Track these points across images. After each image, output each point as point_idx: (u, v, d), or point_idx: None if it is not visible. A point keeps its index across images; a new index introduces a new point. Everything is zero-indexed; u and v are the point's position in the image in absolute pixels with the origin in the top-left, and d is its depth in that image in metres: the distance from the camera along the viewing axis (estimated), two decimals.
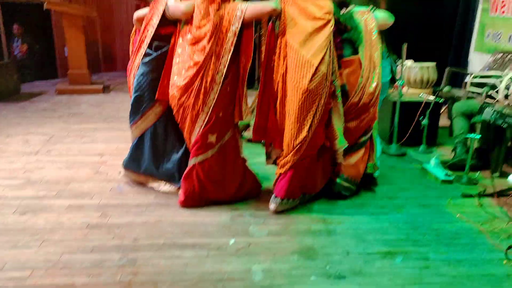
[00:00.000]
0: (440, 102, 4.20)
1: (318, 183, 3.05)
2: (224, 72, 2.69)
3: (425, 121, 4.07)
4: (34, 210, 2.83)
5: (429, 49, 5.81)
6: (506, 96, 3.46)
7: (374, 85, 2.93)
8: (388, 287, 2.14)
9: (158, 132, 3.03)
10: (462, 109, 3.76)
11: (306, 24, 2.68)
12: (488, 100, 3.56)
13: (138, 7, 7.37)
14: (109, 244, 2.45)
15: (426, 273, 2.24)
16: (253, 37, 2.78)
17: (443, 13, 6.02)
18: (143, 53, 2.91)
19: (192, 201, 2.91)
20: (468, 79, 4.03)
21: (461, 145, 3.73)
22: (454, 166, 3.64)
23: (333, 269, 2.26)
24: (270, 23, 2.86)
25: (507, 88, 3.45)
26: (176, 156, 3.05)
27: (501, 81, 3.53)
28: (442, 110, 4.60)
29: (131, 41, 3.24)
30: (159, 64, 2.89)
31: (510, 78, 3.48)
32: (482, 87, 3.61)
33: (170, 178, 3.10)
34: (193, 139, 2.82)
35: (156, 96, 2.91)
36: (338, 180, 3.08)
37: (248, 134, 4.23)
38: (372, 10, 3.03)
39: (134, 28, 3.20)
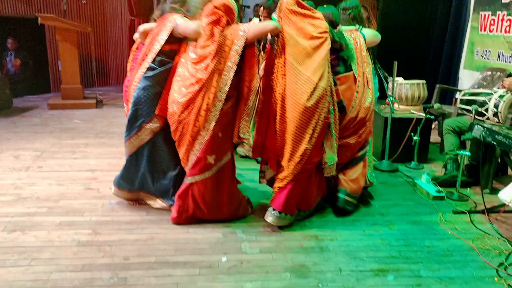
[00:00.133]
0: (431, 118, 4.25)
1: (312, 200, 3.05)
2: (226, 90, 2.71)
3: (416, 137, 4.11)
4: (23, 228, 2.80)
5: (419, 66, 5.91)
6: (496, 114, 3.51)
7: (369, 99, 3.04)
8: None
9: (157, 146, 2.98)
10: (453, 125, 3.81)
11: (304, 43, 2.76)
12: (478, 117, 3.62)
13: (132, 23, 7.44)
14: (100, 263, 2.42)
15: None
16: (256, 56, 2.85)
17: (433, 31, 6.13)
18: (147, 67, 2.90)
19: (184, 220, 2.89)
20: (458, 96, 4.09)
21: (452, 162, 3.76)
22: (445, 182, 3.67)
23: (326, 287, 2.25)
24: (268, 43, 2.94)
25: (496, 106, 3.51)
26: (173, 172, 3.02)
27: (490, 99, 3.59)
28: (433, 127, 4.65)
29: (131, 56, 3.25)
30: (161, 80, 2.89)
31: (499, 96, 3.54)
32: (472, 104, 3.66)
33: (165, 194, 3.07)
34: (191, 158, 2.79)
35: (156, 111, 2.89)
36: (341, 196, 3.10)
37: (243, 150, 4.25)
38: (359, 29, 3.13)
39: (136, 43, 3.21)
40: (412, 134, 4.14)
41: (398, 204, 3.36)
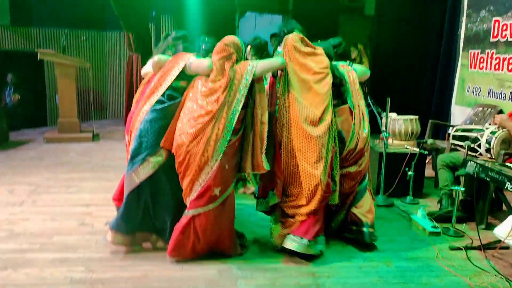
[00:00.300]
0: (424, 153, 4.30)
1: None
2: (235, 122, 2.78)
3: (411, 172, 4.14)
4: (15, 265, 2.75)
5: (412, 102, 6.03)
6: (488, 150, 3.57)
7: (366, 130, 3.16)
8: None
9: (160, 180, 2.93)
10: (446, 161, 3.85)
11: (307, 78, 2.94)
12: (471, 153, 3.66)
13: (130, 58, 7.58)
14: None
15: None
16: (265, 89, 2.98)
17: (424, 68, 6.30)
18: (156, 100, 2.94)
19: (183, 253, 2.84)
20: (450, 132, 4.16)
21: (447, 197, 3.78)
22: (440, 217, 3.67)
23: None
24: (271, 76, 3.11)
25: (488, 142, 3.57)
26: (172, 209, 2.96)
27: (482, 135, 3.65)
28: (427, 161, 4.69)
29: (141, 88, 3.31)
30: (169, 113, 2.93)
31: (491, 132, 3.61)
32: (464, 140, 3.72)
33: (162, 231, 3.00)
34: (195, 189, 2.78)
35: (161, 143, 2.90)
36: (366, 230, 3.11)
37: (246, 191, 4.26)
38: (350, 64, 3.25)
39: (148, 77, 3.28)
40: (407, 169, 4.17)
41: (394, 239, 3.35)
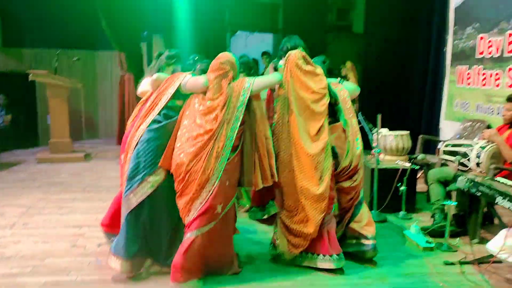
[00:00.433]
0: (416, 168, 4.34)
1: None
2: (234, 138, 2.81)
3: (403, 187, 4.17)
4: None
5: (402, 118, 6.11)
6: (478, 164, 3.61)
7: (360, 147, 3.22)
8: None
9: (158, 200, 2.90)
10: (437, 176, 3.89)
11: (305, 96, 3.03)
12: (461, 167, 3.71)
13: (122, 78, 7.61)
14: None
15: None
16: (262, 105, 3.05)
17: (413, 84, 6.40)
18: (152, 119, 2.95)
19: (187, 277, 2.73)
20: (441, 146, 4.22)
21: (439, 212, 3.81)
22: (434, 232, 3.69)
23: None
24: (269, 89, 3.22)
25: (478, 157, 3.62)
26: (169, 230, 2.94)
27: (472, 150, 3.70)
28: (418, 175, 4.73)
29: (137, 108, 3.32)
30: (165, 133, 2.94)
31: (480, 147, 3.66)
32: (454, 155, 3.77)
33: (157, 254, 2.94)
34: (195, 207, 2.75)
35: (160, 163, 2.89)
36: (369, 242, 3.17)
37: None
38: (341, 82, 3.31)
39: (145, 97, 3.29)
40: (399, 184, 4.20)
41: (389, 255, 3.35)
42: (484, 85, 4.94)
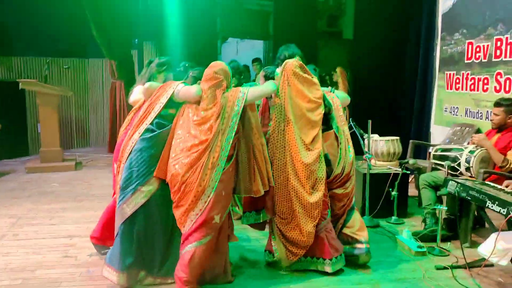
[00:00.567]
0: (407, 173, 4.37)
1: None
2: (229, 149, 2.79)
3: (394, 192, 4.19)
4: None
5: (392, 123, 6.15)
6: (468, 169, 3.65)
7: (352, 155, 3.26)
8: None
9: (152, 209, 2.87)
10: (428, 180, 3.92)
11: (301, 104, 3.06)
12: (451, 172, 3.74)
13: (113, 85, 7.58)
14: None
15: None
16: (257, 114, 3.07)
17: (403, 90, 6.46)
18: (145, 128, 2.92)
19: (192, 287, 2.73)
20: (431, 151, 4.25)
21: (431, 216, 3.83)
22: (425, 237, 3.71)
23: None
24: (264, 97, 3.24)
25: (467, 161, 3.66)
26: (163, 241, 2.90)
27: (461, 154, 3.74)
28: (410, 180, 4.77)
29: (130, 116, 3.30)
30: (158, 142, 2.91)
31: (470, 151, 3.70)
32: (444, 160, 3.81)
33: (151, 266, 2.90)
34: (191, 218, 2.72)
35: (155, 173, 2.86)
36: (362, 246, 3.20)
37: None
38: (332, 91, 3.34)
39: (137, 105, 3.27)
40: (390, 189, 4.23)
41: (381, 261, 3.37)
42: (472, 90, 5.00)
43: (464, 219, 3.55)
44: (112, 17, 7.05)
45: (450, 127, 5.25)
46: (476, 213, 3.67)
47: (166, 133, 2.93)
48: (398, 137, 4.73)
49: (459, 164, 3.73)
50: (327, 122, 3.25)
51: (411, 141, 5.19)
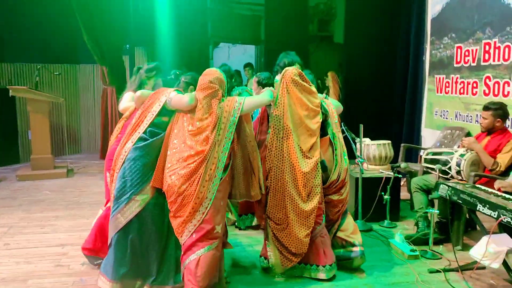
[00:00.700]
0: (399, 177, 4.40)
1: None
2: (225, 159, 2.78)
3: (387, 196, 4.22)
4: None
5: (383, 127, 6.19)
6: (458, 172, 3.69)
7: (346, 161, 3.29)
8: None
9: (146, 219, 2.85)
10: (420, 184, 3.96)
11: (300, 112, 3.07)
12: (442, 175, 3.78)
13: (104, 91, 7.55)
14: None
15: None
16: (252, 123, 3.09)
17: (394, 94, 6.50)
18: (138, 137, 2.89)
19: None
20: (422, 154, 4.29)
21: (423, 219, 3.86)
22: (418, 240, 3.74)
23: None
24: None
25: (458, 165, 3.69)
26: (158, 249, 2.88)
27: (452, 158, 3.78)
28: (402, 183, 4.80)
29: (121, 124, 3.27)
30: (152, 150, 2.88)
31: (460, 155, 3.74)
32: (435, 163, 3.84)
33: (147, 275, 2.87)
34: (188, 230, 2.70)
35: (151, 183, 2.84)
36: (357, 249, 3.22)
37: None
38: (326, 98, 3.37)
39: (128, 113, 3.25)
40: (383, 193, 4.25)
41: (375, 265, 3.38)
42: (462, 93, 5.06)
43: (456, 222, 3.59)
44: (103, 22, 7.03)
45: (441, 131, 5.30)
46: (467, 216, 3.71)
47: (159, 142, 2.90)
48: (389, 141, 4.76)
49: (450, 168, 3.77)
50: (323, 128, 3.26)
51: (402, 144, 5.23)
